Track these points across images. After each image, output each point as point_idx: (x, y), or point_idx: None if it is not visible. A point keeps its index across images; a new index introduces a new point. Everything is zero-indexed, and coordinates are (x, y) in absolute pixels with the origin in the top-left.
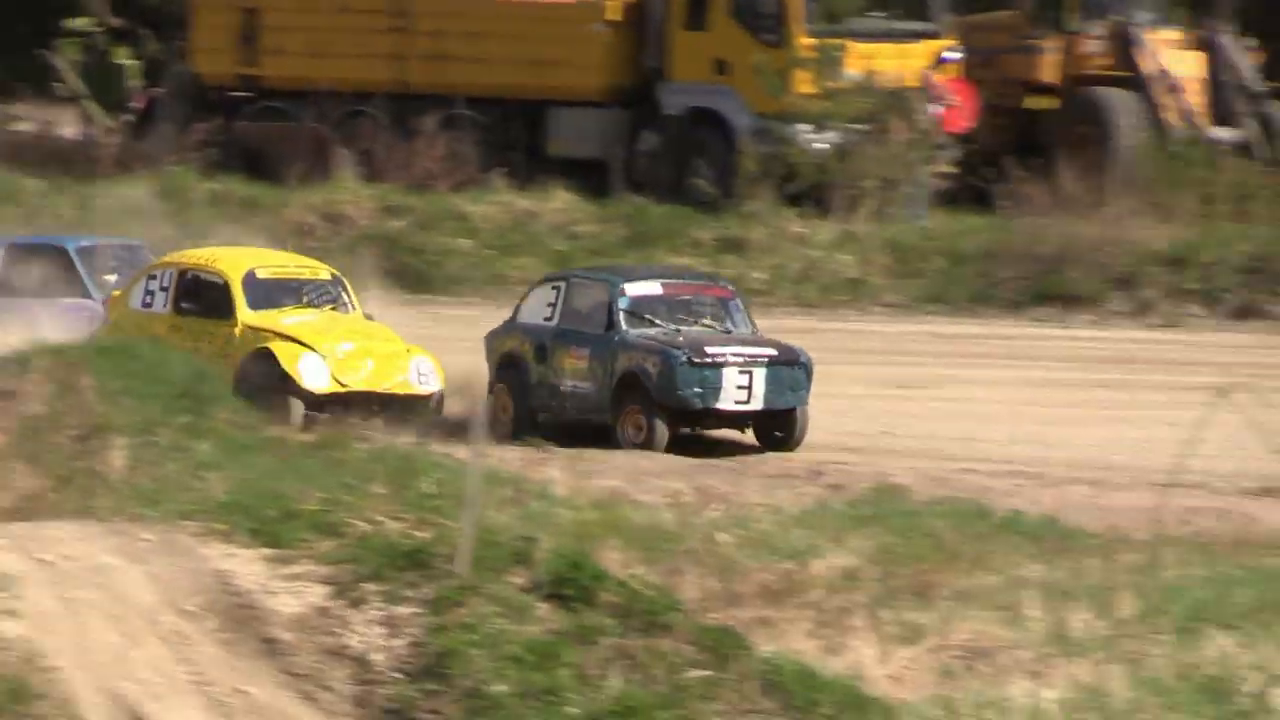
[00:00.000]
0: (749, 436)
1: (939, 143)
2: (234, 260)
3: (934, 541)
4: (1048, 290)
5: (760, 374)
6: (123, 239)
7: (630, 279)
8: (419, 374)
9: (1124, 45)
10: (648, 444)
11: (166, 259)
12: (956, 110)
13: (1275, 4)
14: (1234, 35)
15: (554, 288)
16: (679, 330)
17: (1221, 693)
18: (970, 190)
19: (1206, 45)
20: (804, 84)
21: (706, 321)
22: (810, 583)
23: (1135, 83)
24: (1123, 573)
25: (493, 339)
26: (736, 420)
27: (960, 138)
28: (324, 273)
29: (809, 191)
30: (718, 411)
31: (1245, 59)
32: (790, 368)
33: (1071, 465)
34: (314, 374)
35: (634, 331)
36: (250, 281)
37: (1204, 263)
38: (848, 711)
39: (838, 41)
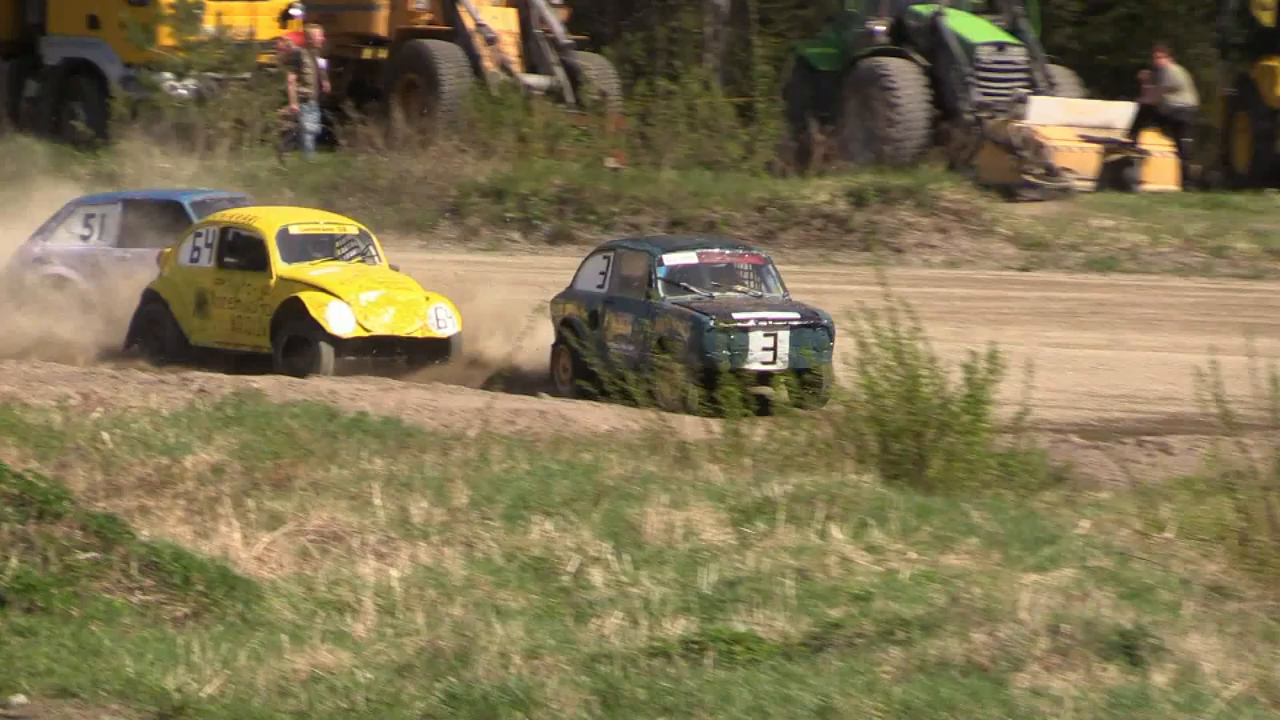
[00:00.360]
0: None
1: (311, 92)
2: (270, 218)
3: (290, 439)
4: (385, 219)
5: (784, 336)
6: (230, 193)
7: (668, 249)
8: (438, 319)
9: (448, 2)
10: (683, 402)
11: (211, 218)
12: (291, 46)
13: None
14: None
15: (605, 257)
16: (712, 296)
17: (545, 571)
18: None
19: (519, 3)
20: (167, 37)
21: (740, 287)
22: (183, 475)
23: (457, 36)
24: (456, 466)
25: (555, 304)
26: (762, 379)
27: (292, 62)
28: (352, 228)
29: (175, 131)
30: (745, 371)
31: (554, 15)
32: (813, 330)
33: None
34: (340, 320)
35: (670, 299)
36: (284, 237)
37: (520, 194)
38: (218, 587)
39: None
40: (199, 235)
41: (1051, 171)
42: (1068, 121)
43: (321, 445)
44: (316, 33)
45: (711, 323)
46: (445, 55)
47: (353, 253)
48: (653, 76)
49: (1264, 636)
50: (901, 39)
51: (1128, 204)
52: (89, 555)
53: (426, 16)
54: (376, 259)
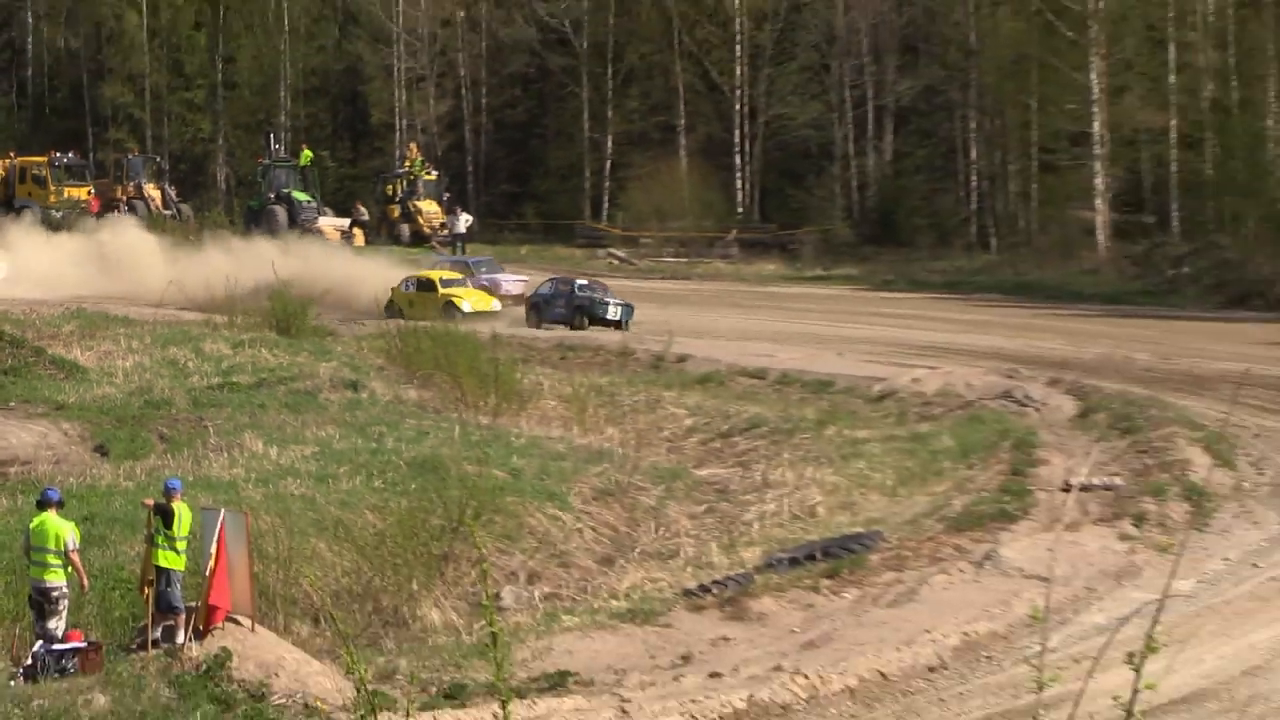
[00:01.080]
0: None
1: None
2: (436, 273)
3: (95, 322)
4: None
5: (619, 308)
6: (487, 258)
7: (580, 280)
8: (497, 304)
9: (138, 188)
10: (581, 328)
11: (412, 274)
12: (95, 205)
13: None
14: (170, 187)
15: (551, 280)
16: (592, 294)
17: (175, 364)
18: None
19: (160, 188)
20: (53, 196)
21: (601, 293)
22: (61, 333)
23: (142, 198)
24: (146, 330)
25: (530, 297)
26: (612, 322)
27: (98, 214)
28: (460, 275)
29: (63, 223)
30: (607, 319)
31: (171, 190)
32: (628, 306)
33: None
34: (467, 306)
35: (580, 294)
36: (440, 280)
37: None
38: (74, 370)
39: (62, 188)
40: (407, 279)
41: (325, 236)
42: (330, 224)
43: (104, 325)
44: (122, 196)
45: (597, 300)
46: (140, 207)
47: (464, 283)
48: (203, 213)
49: (402, 383)
50: (278, 199)
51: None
52: (32, 359)
53: (132, 192)
54: (469, 284)
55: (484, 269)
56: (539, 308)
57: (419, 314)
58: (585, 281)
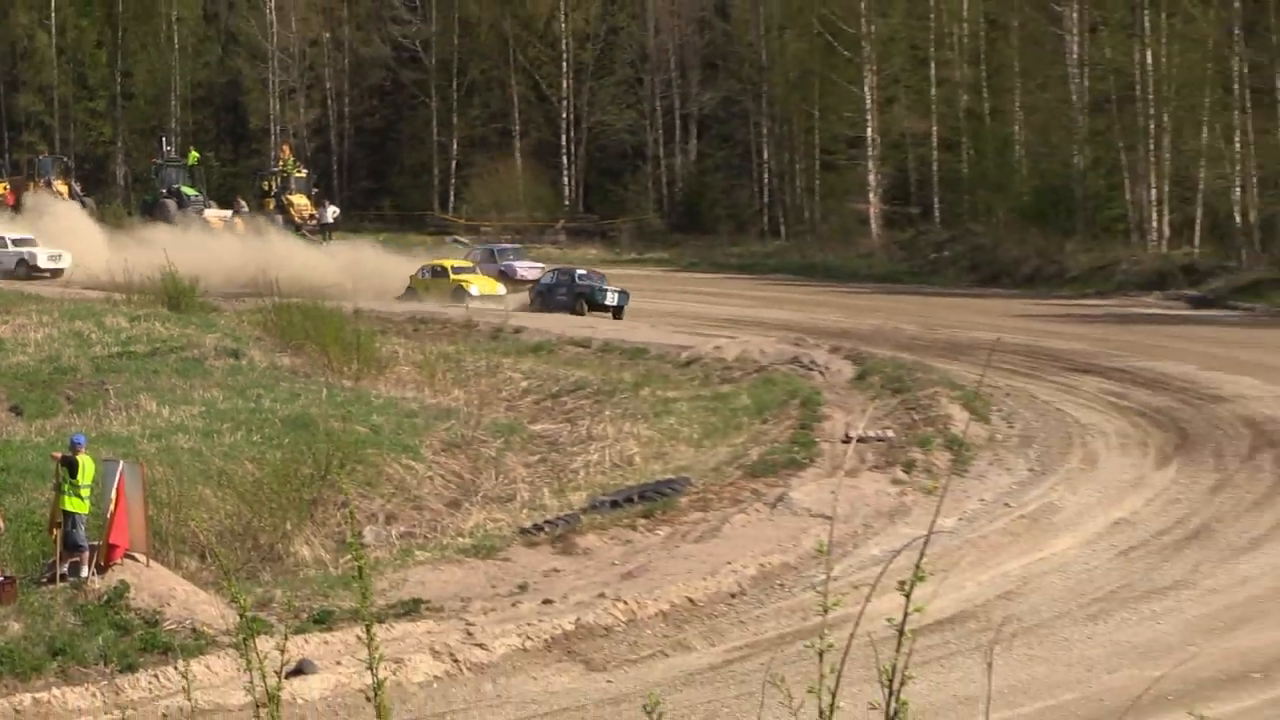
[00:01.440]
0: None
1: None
2: (447, 263)
3: (13, 301)
4: None
5: (615, 295)
6: (513, 246)
7: (579, 270)
8: (501, 290)
9: (48, 183)
10: (581, 313)
11: (425, 264)
12: (10, 198)
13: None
14: (76, 183)
15: (554, 271)
16: (593, 282)
17: (81, 336)
18: None
19: (69, 184)
20: None
21: (598, 280)
22: None
23: (52, 192)
24: (60, 309)
25: (534, 286)
26: (610, 308)
27: (12, 207)
28: (469, 264)
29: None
30: (605, 305)
31: (77, 185)
32: (623, 293)
33: None
34: (475, 290)
35: (580, 283)
36: (453, 268)
37: None
38: None
39: None
40: (424, 267)
41: (210, 225)
42: (215, 215)
43: (18, 301)
44: (34, 191)
45: (596, 287)
46: (52, 196)
47: (472, 270)
48: (105, 205)
49: (277, 352)
50: (170, 194)
51: (239, 236)
52: None
53: (42, 187)
54: (478, 271)
55: (509, 256)
56: (543, 295)
57: (434, 297)
58: (584, 271)
